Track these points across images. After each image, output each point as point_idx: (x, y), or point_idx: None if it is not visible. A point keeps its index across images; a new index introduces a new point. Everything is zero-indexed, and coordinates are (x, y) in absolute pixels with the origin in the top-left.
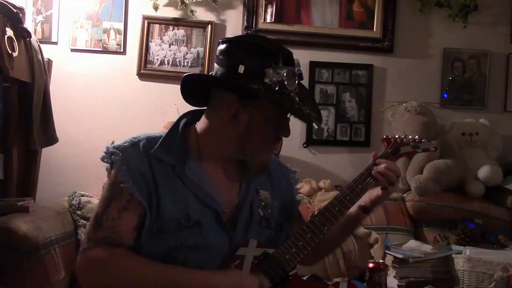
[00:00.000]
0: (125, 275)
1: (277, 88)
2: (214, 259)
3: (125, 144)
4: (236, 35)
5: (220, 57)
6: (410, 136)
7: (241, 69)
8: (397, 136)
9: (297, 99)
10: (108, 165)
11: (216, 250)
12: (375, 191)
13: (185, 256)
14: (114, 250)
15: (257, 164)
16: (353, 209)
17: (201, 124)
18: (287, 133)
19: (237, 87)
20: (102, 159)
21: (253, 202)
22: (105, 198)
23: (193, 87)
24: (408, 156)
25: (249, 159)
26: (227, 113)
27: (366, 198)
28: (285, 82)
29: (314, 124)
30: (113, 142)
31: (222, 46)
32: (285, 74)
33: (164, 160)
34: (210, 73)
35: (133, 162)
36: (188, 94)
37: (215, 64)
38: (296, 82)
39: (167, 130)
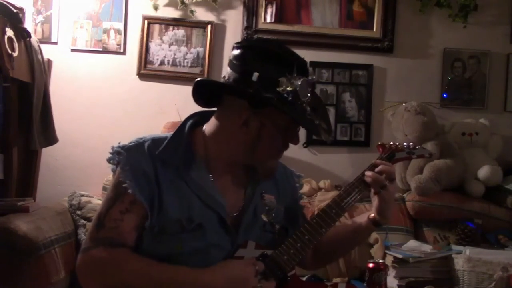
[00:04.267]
0: (125, 276)
1: (289, 98)
2: (213, 263)
3: (130, 144)
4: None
5: (234, 62)
6: (405, 143)
7: (255, 76)
8: (391, 143)
9: (308, 109)
10: (114, 166)
11: (217, 254)
12: (374, 200)
13: (184, 260)
14: (115, 250)
15: (264, 170)
16: (364, 220)
17: (209, 127)
18: (296, 141)
19: (249, 95)
20: (108, 160)
21: (257, 206)
22: (109, 198)
23: (204, 90)
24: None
25: (257, 165)
26: (237, 119)
27: (374, 209)
28: (298, 92)
29: (323, 136)
30: (119, 143)
31: (236, 52)
32: (299, 84)
33: (169, 161)
34: (222, 77)
35: (137, 163)
36: (199, 97)
37: (228, 68)
38: (309, 92)
39: (170, 131)
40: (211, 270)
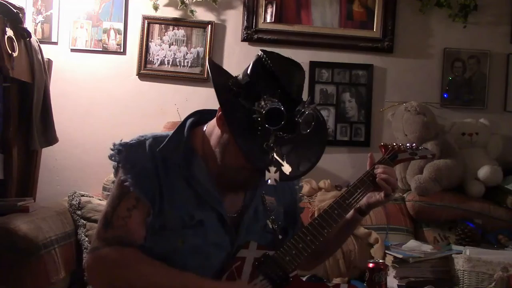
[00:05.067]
0: (135, 277)
1: (256, 118)
2: (214, 263)
3: (131, 142)
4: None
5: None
6: (408, 144)
7: (244, 80)
8: (394, 143)
9: (271, 141)
10: (115, 163)
11: (217, 253)
12: (375, 196)
13: (184, 259)
14: (125, 250)
15: (234, 178)
16: (349, 213)
17: (209, 126)
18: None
19: (222, 89)
20: (110, 157)
21: (258, 208)
22: (114, 197)
23: None
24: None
25: (226, 171)
26: (217, 112)
27: (363, 201)
28: (265, 119)
29: (269, 176)
30: (121, 140)
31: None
32: (267, 110)
33: (169, 159)
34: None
35: (138, 160)
36: None
37: None
38: (280, 124)
39: (171, 130)
40: (217, 283)
